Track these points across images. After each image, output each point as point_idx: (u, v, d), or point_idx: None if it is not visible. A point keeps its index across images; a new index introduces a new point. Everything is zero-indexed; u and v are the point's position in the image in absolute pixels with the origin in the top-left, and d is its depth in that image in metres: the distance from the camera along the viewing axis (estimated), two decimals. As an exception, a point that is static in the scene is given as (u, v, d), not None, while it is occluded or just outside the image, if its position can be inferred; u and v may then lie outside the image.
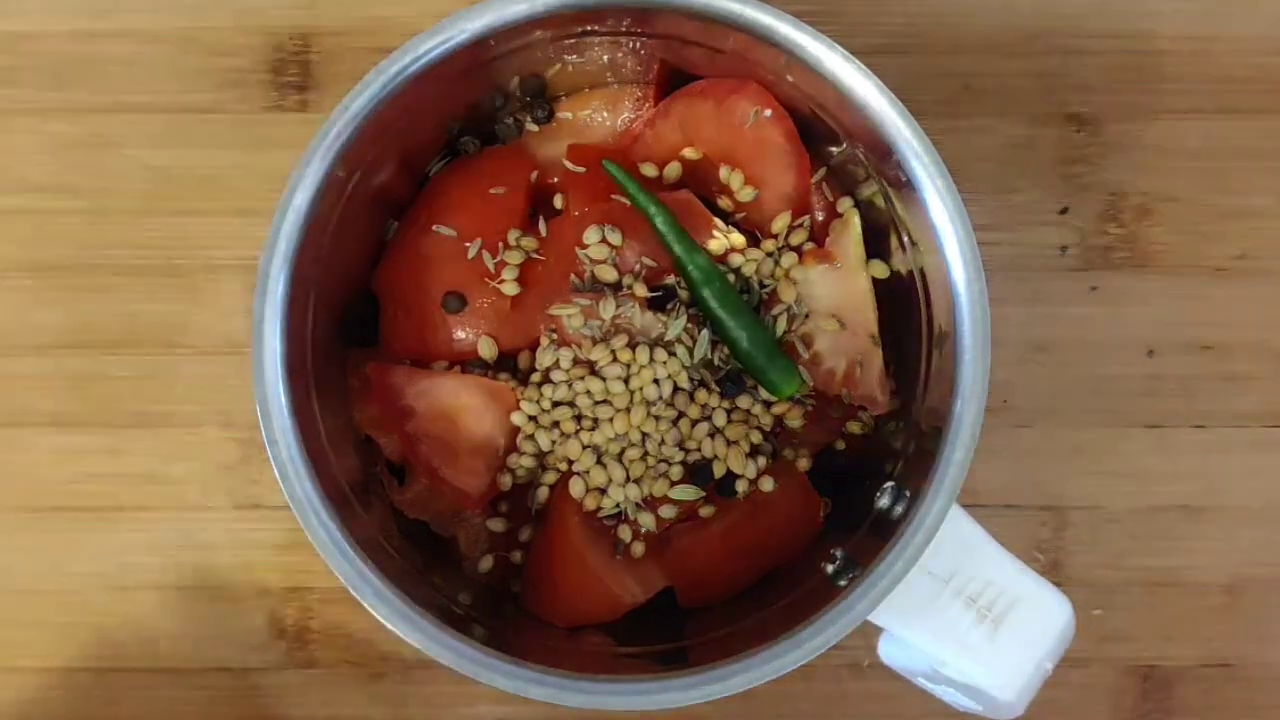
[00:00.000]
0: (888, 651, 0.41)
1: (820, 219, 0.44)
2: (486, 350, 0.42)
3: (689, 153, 0.44)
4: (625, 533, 0.42)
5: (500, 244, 0.42)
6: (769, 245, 0.43)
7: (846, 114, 0.39)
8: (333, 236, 0.39)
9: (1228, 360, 0.50)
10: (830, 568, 0.39)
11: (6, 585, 0.49)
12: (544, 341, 0.42)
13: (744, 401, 0.42)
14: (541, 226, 0.43)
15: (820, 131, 0.42)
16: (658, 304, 0.42)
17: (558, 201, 0.44)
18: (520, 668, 0.36)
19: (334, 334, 0.41)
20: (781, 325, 0.42)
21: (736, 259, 0.43)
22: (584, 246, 0.42)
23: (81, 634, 0.49)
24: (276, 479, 0.37)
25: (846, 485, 0.43)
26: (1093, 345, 0.50)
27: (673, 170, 0.44)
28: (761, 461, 0.42)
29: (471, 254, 0.42)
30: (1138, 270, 0.50)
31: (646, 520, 0.42)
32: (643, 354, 0.41)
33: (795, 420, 0.43)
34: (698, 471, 0.42)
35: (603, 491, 0.42)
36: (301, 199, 0.37)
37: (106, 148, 0.50)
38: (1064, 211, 0.50)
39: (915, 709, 0.48)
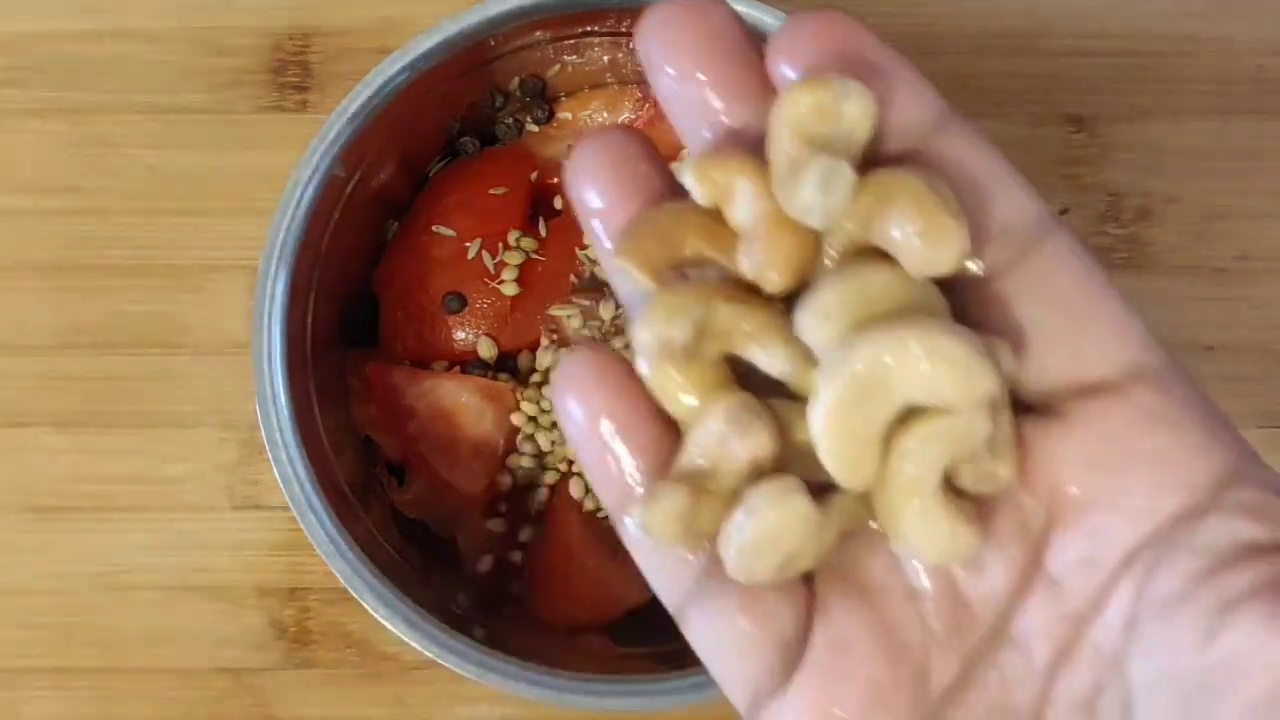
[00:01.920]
0: (888, 652, 0.41)
1: (820, 219, 0.43)
2: (486, 350, 0.42)
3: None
4: (625, 533, 0.42)
5: (500, 244, 0.42)
6: (769, 245, 0.43)
7: (846, 114, 0.39)
8: (333, 236, 0.39)
9: (1228, 360, 0.50)
10: (830, 568, 0.39)
11: (6, 585, 0.49)
12: (544, 342, 0.42)
13: (744, 402, 0.42)
14: (541, 227, 0.43)
15: (820, 132, 0.41)
16: (658, 304, 0.42)
17: (558, 202, 0.44)
18: (520, 668, 0.36)
19: (334, 334, 0.41)
20: (781, 325, 0.42)
21: (736, 259, 0.43)
22: (584, 247, 0.42)
23: (81, 634, 0.49)
24: (276, 479, 0.37)
25: (846, 485, 0.43)
26: (1093, 345, 0.49)
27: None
28: (761, 462, 0.42)
29: (471, 254, 0.42)
30: (1138, 270, 0.50)
31: (646, 520, 0.42)
32: (643, 354, 0.41)
33: (795, 420, 0.43)
34: (698, 472, 0.42)
35: (603, 492, 0.42)
36: (302, 199, 0.37)
37: (106, 148, 0.50)
38: (1064, 212, 0.50)
39: (915, 709, 0.48)
